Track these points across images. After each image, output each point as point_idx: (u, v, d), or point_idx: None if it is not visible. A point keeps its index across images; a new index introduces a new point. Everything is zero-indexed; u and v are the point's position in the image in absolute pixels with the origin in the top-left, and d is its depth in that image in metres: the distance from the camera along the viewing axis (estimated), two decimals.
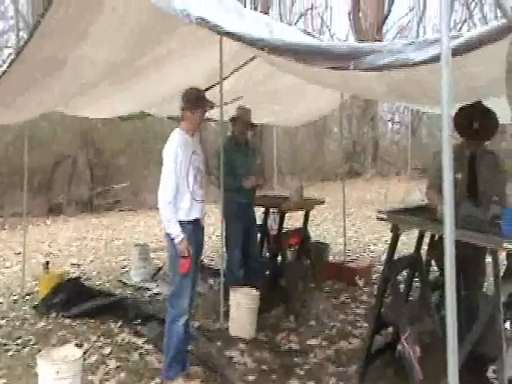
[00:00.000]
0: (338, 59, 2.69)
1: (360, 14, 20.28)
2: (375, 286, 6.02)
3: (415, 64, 2.34)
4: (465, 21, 23.39)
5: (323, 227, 10.32)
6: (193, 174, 3.39)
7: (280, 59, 3.15)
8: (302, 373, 3.75)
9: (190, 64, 4.56)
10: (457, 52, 2.04)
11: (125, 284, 6.10)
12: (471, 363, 3.25)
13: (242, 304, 4.37)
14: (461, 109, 3.58)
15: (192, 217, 3.41)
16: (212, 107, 3.54)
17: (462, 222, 3.20)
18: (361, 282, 6.08)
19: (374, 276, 6.44)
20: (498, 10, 2.09)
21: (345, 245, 7.02)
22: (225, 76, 4.80)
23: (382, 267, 6.94)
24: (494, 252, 3.02)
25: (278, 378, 3.65)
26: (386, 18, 20.64)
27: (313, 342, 4.34)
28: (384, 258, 7.58)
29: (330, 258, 7.01)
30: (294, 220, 8.34)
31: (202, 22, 2.86)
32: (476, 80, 3.10)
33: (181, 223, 3.31)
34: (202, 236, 3.64)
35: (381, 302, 3.50)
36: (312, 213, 11.48)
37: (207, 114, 5.57)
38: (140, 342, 4.31)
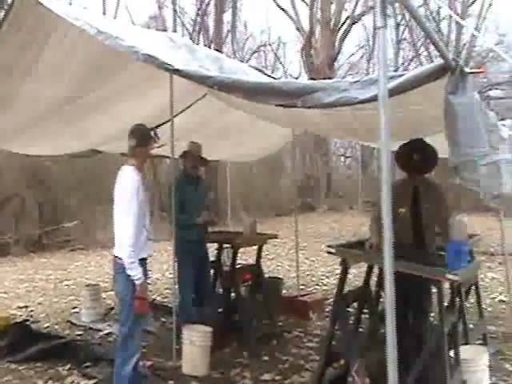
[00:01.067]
0: (286, 96, 2.77)
1: (312, 51, 20.92)
2: (328, 319, 6.07)
3: (359, 102, 2.45)
4: (411, 59, 24.49)
5: (277, 262, 10.35)
6: (148, 212, 3.37)
7: (229, 96, 3.23)
8: None
9: (140, 101, 4.58)
10: (394, 92, 2.16)
11: (74, 325, 5.90)
12: None
13: (195, 341, 4.31)
14: (402, 145, 3.75)
15: (145, 255, 3.37)
16: (157, 141, 3.53)
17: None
18: (314, 316, 6.11)
19: (327, 309, 6.48)
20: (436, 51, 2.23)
21: (298, 279, 7.04)
22: (176, 113, 4.86)
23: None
24: (438, 283, 3.11)
25: None
26: (338, 55, 21.37)
27: (266, 376, 4.31)
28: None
29: (284, 293, 7.02)
30: (247, 255, 8.36)
31: (149, 59, 2.91)
32: (419, 118, 3.26)
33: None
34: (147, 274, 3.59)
35: (332, 334, 3.54)
36: (266, 248, 11.50)
37: (160, 150, 5.63)
38: None
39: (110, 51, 3.06)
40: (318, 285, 8.25)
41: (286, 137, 6.78)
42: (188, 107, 5.07)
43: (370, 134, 3.65)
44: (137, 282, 3.22)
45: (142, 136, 3.46)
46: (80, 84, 3.62)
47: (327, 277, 8.90)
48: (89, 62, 3.46)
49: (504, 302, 6.67)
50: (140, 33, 3.91)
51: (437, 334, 3.13)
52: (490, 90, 18.15)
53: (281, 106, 2.87)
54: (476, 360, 3.64)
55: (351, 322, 3.68)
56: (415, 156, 3.71)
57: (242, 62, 14.74)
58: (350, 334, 3.46)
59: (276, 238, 5.78)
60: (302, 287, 7.70)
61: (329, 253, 3.39)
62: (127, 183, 3.31)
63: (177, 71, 3.20)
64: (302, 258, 10.47)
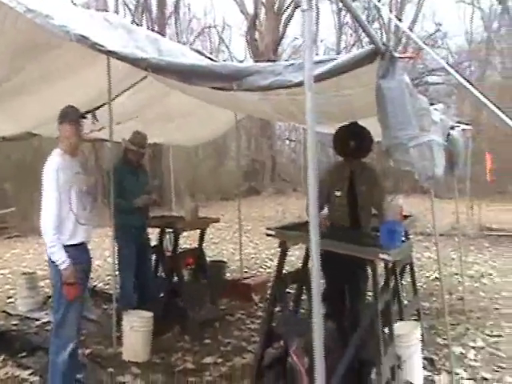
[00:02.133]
0: (222, 79, 2.75)
1: (256, 35, 20.86)
2: None
3: (292, 85, 2.45)
4: (353, 44, 24.81)
5: (222, 246, 10.35)
6: (76, 196, 3.26)
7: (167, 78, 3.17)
8: None
9: (77, 82, 4.43)
10: (324, 76, 2.18)
11: (10, 315, 5.71)
12: (356, 368, 3.42)
13: (136, 327, 4.27)
14: (338, 130, 3.82)
15: (77, 241, 3.26)
16: (83, 118, 3.41)
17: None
18: (256, 298, 6.18)
19: (270, 291, 6.57)
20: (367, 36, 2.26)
21: (241, 262, 7.07)
22: (116, 95, 4.73)
23: None
24: (372, 263, 3.20)
25: None
26: (282, 39, 21.40)
27: (208, 360, 4.32)
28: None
29: (228, 276, 7.05)
30: (191, 239, 8.34)
31: (82, 40, 2.80)
32: (354, 101, 3.30)
33: (65, 248, 3.18)
34: (89, 260, 3.50)
35: (271, 315, 3.58)
36: (211, 232, 11.52)
37: (100, 134, 5.48)
38: (25, 374, 4.05)
39: (41, 31, 2.94)
40: (261, 267, 8.33)
41: (230, 120, 6.74)
42: (127, 90, 4.95)
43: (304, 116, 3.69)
44: (60, 267, 3.13)
45: (61, 116, 3.33)
46: (9, 65, 3.45)
47: (271, 259, 8.99)
48: (18, 41, 3.30)
49: (438, 279, 6.96)
50: (74, 12, 3.76)
51: (371, 311, 3.22)
52: (427, 75, 18.68)
53: (218, 89, 2.85)
54: (409, 335, 3.78)
55: (290, 303, 3.74)
56: (351, 142, 3.77)
57: (185, 44, 14.54)
58: (289, 315, 3.52)
59: (218, 221, 5.78)
60: (245, 270, 7.76)
61: (268, 235, 3.42)
62: (46, 166, 3.22)
63: (110, 52, 3.10)
64: (247, 241, 10.55)
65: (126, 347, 4.26)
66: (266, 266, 8.47)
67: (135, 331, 4.25)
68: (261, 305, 6.00)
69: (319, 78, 2.16)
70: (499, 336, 4.86)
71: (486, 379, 3.89)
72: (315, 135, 2.03)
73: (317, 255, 1.98)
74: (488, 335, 4.89)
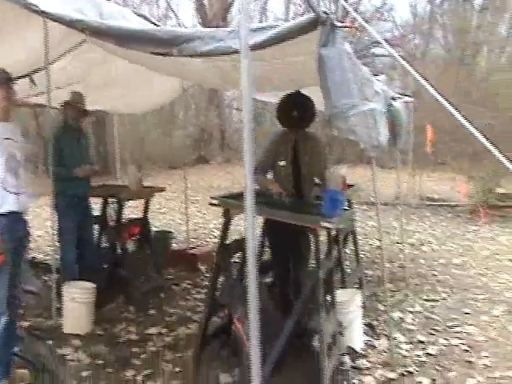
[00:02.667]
0: (162, 44, 2.67)
1: (205, 1, 20.38)
2: None
3: (233, 52, 2.40)
4: (302, 14, 24.62)
5: (169, 216, 10.25)
6: (5, 162, 3.08)
7: (107, 43, 3.04)
8: (138, 363, 3.69)
9: (12, 45, 4.20)
10: (265, 44, 2.14)
11: None
12: (299, 335, 3.49)
13: (77, 299, 4.18)
14: (281, 99, 3.80)
15: (4, 209, 3.09)
16: (12, 82, 3.21)
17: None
18: (203, 268, 6.17)
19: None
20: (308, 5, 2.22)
21: (188, 232, 7.03)
22: (54, 58, 4.52)
23: None
24: (314, 231, 3.24)
25: (113, 371, 3.55)
26: (231, 6, 20.98)
27: (152, 330, 4.30)
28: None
29: (174, 246, 7.01)
30: (139, 210, 8.22)
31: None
32: (298, 70, 3.28)
33: None
34: (25, 229, 3.33)
35: (215, 284, 3.58)
36: (158, 201, 11.39)
37: (39, 99, 5.21)
38: None
39: None
40: (209, 237, 8.31)
41: (176, 89, 6.60)
42: (66, 53, 4.74)
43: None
44: None
45: None
46: None
47: (218, 229, 8.98)
48: None
49: (382, 248, 7.15)
50: None
51: (312, 279, 3.26)
52: (373, 47, 18.82)
53: (158, 54, 2.76)
54: (350, 302, 3.89)
55: (234, 272, 3.74)
56: (294, 112, 3.75)
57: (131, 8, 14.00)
58: (233, 284, 3.52)
59: (163, 191, 5.70)
60: (193, 240, 7.73)
61: (211, 204, 3.39)
62: None
63: (44, 13, 2.96)
64: (195, 211, 10.50)
65: (67, 319, 4.18)
66: (213, 235, 8.46)
67: (76, 302, 4.16)
68: (207, 275, 6.00)
69: (259, 46, 2.12)
70: (435, 301, 5.07)
71: (421, 342, 4.05)
72: (251, 103, 2.00)
73: (251, 223, 1.96)
74: (425, 300, 5.09)
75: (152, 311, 4.77)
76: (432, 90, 2.49)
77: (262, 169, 3.83)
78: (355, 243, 5.23)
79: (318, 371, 3.19)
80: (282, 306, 3.93)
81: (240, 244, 3.76)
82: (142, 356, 3.81)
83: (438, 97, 2.38)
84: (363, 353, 3.85)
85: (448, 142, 11.48)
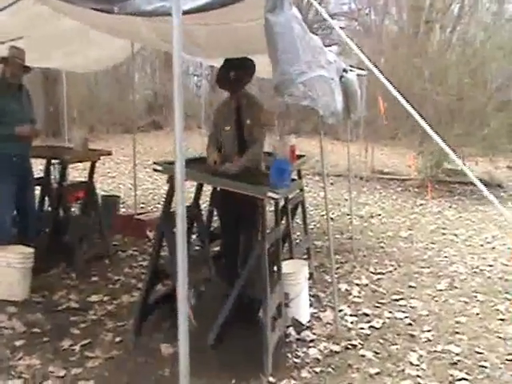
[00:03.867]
0: (103, 1, 2.52)
1: None
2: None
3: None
4: None
5: (119, 180, 10.01)
6: None
7: None
8: (77, 332, 3.57)
9: None
10: (207, 7, 2.03)
11: None
12: (245, 305, 3.44)
13: (13, 263, 3.99)
14: (222, 64, 3.76)
15: None
16: None
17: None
18: (151, 234, 6.04)
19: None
20: None
21: (136, 197, 6.84)
22: None
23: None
24: (261, 201, 3.17)
25: (49, 340, 3.42)
26: None
27: (94, 298, 4.17)
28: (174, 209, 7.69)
29: (123, 211, 6.84)
30: (86, 172, 7.98)
31: None
32: (244, 35, 3.16)
33: None
34: None
35: (158, 253, 3.48)
36: (108, 165, 11.10)
37: None
38: None
39: None
40: (159, 203, 8.15)
41: (126, 49, 6.31)
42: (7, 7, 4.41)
43: (193, 45, 3.56)
44: None
45: None
46: None
47: None
48: None
49: (332, 219, 7.21)
50: None
51: (258, 250, 3.21)
52: (332, 19, 18.75)
53: (99, 10, 2.59)
54: (297, 274, 3.86)
55: None
56: (231, 72, 3.73)
57: None
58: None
59: (109, 154, 5.48)
60: (142, 206, 7.58)
61: (155, 170, 3.25)
62: None
63: None
64: (146, 176, 10.28)
65: (1, 285, 3.99)
66: (163, 202, 8.30)
67: (12, 268, 3.97)
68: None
69: (205, 9, 2.00)
70: (382, 273, 5.13)
71: (366, 315, 4.09)
72: (181, 65, 1.89)
73: (180, 190, 1.87)
74: (372, 273, 5.14)
75: (95, 278, 4.64)
76: (375, 70, 2.44)
77: (211, 138, 3.82)
78: (304, 214, 5.21)
79: (262, 343, 3.17)
80: (228, 276, 3.88)
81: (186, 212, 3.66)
82: (82, 325, 3.68)
83: (384, 80, 2.32)
84: (308, 325, 3.85)
85: (399, 117, 11.61)
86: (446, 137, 10.95)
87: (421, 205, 9.34)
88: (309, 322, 3.90)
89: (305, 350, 3.49)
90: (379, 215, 8.12)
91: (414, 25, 16.67)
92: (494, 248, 6.33)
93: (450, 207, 9.35)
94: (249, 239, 3.80)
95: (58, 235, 5.00)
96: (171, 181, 3.27)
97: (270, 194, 2.96)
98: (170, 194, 3.36)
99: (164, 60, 19.42)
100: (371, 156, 11.56)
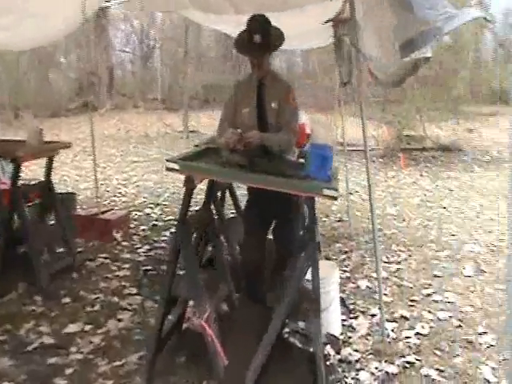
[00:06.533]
0: None
1: None
2: (136, 238, 5.19)
3: None
4: None
5: (61, 171, 8.85)
6: None
7: None
8: (62, 382, 2.72)
9: None
10: None
11: None
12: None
13: None
14: (247, 23, 2.94)
15: None
16: None
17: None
18: (118, 236, 5.16)
19: (133, 225, 5.58)
20: None
21: (97, 190, 5.81)
22: None
23: (139, 213, 6.15)
24: (311, 200, 2.44)
25: None
26: None
27: (72, 328, 3.30)
28: (139, 201, 6.77)
29: (79, 211, 5.86)
30: (29, 169, 6.93)
31: None
32: None
33: None
34: None
35: (173, 274, 2.63)
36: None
37: None
38: None
39: None
40: (115, 196, 7.21)
41: (72, 23, 5.27)
42: None
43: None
44: None
45: None
46: None
47: (124, 185, 7.90)
48: None
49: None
50: None
51: (303, 265, 2.47)
52: None
53: None
54: (327, 279, 3.16)
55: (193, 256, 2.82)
56: (255, 37, 2.90)
57: None
58: (195, 272, 2.59)
59: (69, 147, 4.49)
60: (97, 200, 6.59)
61: (169, 169, 2.36)
62: None
63: None
64: (91, 164, 9.18)
65: None
66: (119, 193, 7.36)
67: None
68: (124, 243, 5.01)
69: None
70: (397, 262, 4.53)
71: (405, 318, 3.47)
72: None
73: None
74: (386, 262, 4.52)
75: (67, 299, 3.73)
76: None
77: (224, 122, 2.99)
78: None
79: (313, 376, 2.48)
80: (254, 293, 3.13)
81: (197, 218, 2.86)
82: (66, 370, 2.83)
83: None
84: (343, 338, 3.19)
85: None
86: (411, 102, 10.63)
87: (393, 177, 8.90)
88: (341, 334, 3.24)
89: (353, 374, 2.83)
90: (357, 192, 7.55)
91: None
92: (492, 219, 5.92)
93: (422, 176, 9.01)
94: (285, 247, 3.05)
95: (13, 247, 4.05)
96: (189, 182, 2.43)
97: (326, 191, 2.23)
98: (188, 199, 2.51)
99: (94, 36, 17.96)
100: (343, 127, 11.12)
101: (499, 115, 14.21)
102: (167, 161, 2.32)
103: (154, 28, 21.74)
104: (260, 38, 2.90)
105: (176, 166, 2.29)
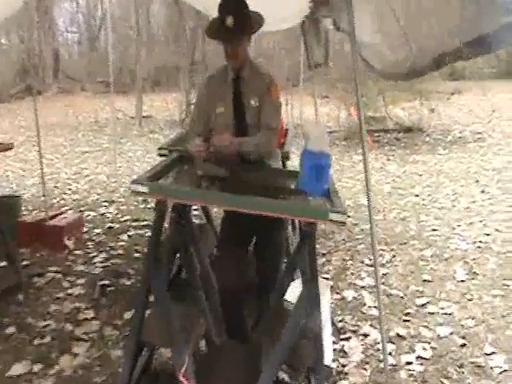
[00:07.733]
0: None
1: None
2: (90, 245, 4.63)
3: None
4: None
5: (4, 167, 8.05)
6: None
7: None
8: None
9: None
10: None
11: None
12: None
13: None
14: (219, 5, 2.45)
15: None
16: None
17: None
18: (71, 244, 4.58)
19: (86, 228, 5.01)
20: None
21: (44, 186, 5.20)
22: None
23: (93, 214, 5.55)
24: (313, 225, 1.98)
25: None
26: None
27: (18, 369, 2.75)
28: (92, 199, 6.16)
29: (23, 214, 5.23)
30: None
31: None
32: None
33: None
34: None
35: (143, 315, 2.14)
36: None
37: None
38: None
39: None
40: (65, 193, 6.57)
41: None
42: None
43: None
44: None
45: None
46: None
47: (75, 180, 7.25)
48: None
49: None
50: None
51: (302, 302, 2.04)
52: None
53: None
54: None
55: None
56: (228, 20, 2.41)
57: None
58: (168, 313, 2.11)
59: (11, 148, 3.85)
60: (44, 199, 5.94)
61: (136, 193, 1.82)
62: None
63: None
64: (37, 157, 8.44)
65: None
66: (69, 190, 6.72)
67: None
68: (78, 252, 4.45)
69: None
70: (381, 265, 4.15)
71: (401, 337, 3.08)
72: None
73: None
74: (368, 265, 4.14)
75: (11, 330, 3.16)
76: None
77: (195, 123, 2.50)
78: None
79: None
80: (234, 329, 2.69)
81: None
82: None
83: None
84: (336, 366, 2.79)
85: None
86: (374, 83, 10.30)
87: (359, 161, 8.55)
88: (334, 361, 2.84)
89: None
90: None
91: None
92: (469, 209, 5.63)
93: (389, 160, 8.71)
94: (269, 267, 2.61)
95: None
96: (161, 206, 1.93)
97: (334, 215, 1.79)
98: (159, 226, 2.01)
99: (37, 17, 16.82)
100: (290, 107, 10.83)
101: (459, 93, 14.11)
102: (132, 183, 1.80)
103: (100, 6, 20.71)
104: (233, 20, 2.42)
105: (145, 189, 1.78)
